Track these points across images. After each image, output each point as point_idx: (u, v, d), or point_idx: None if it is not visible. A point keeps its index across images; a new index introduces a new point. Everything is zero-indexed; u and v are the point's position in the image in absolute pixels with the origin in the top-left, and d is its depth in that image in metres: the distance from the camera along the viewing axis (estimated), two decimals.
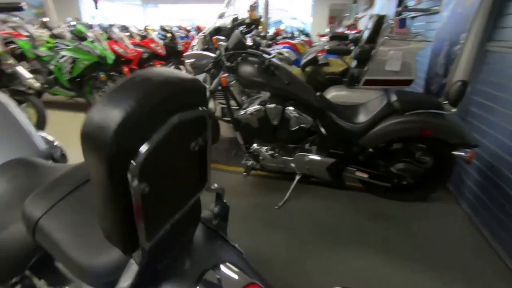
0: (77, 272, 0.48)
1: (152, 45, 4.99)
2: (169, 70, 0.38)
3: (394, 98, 1.81)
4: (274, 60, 1.80)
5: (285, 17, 14.04)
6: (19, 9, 1.18)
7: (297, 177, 2.10)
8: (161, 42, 5.28)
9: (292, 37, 6.87)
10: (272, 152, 2.08)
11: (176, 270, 0.51)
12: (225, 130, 2.94)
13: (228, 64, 1.90)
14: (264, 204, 2.01)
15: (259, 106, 1.97)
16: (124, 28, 6.82)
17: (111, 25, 6.02)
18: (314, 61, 3.11)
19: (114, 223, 0.35)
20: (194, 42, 2.61)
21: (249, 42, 2.45)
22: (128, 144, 0.30)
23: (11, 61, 2.96)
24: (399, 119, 1.78)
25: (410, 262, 1.52)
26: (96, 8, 13.31)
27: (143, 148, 0.32)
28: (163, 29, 6.40)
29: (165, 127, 0.34)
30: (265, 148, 2.09)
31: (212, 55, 1.98)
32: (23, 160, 0.88)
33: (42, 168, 0.85)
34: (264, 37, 5.81)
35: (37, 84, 3.93)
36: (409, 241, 1.67)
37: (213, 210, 0.69)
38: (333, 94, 2.58)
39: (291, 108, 1.94)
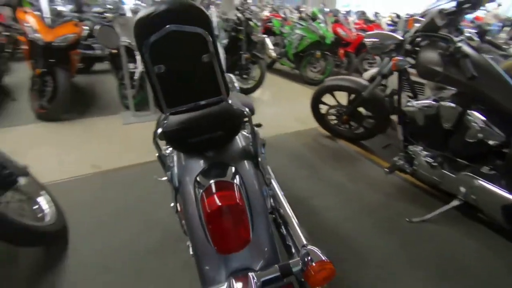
0: None
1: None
2: None
3: None
4: (464, 45, 1.42)
5: None
6: None
7: (454, 203, 1.64)
8: (388, 28, 5.09)
9: None
10: (432, 160, 1.72)
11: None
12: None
13: (408, 46, 1.70)
14: (395, 208, 1.77)
15: (432, 101, 1.66)
16: (362, 14, 7.04)
17: (347, 12, 6.41)
18: None
19: (152, 92, 0.62)
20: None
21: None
22: (142, 32, 0.55)
23: (260, 34, 4.02)
24: None
25: None
26: None
27: (151, 38, 0.55)
28: (398, 16, 6.06)
29: (165, 29, 0.55)
30: (426, 153, 1.76)
31: (399, 36, 1.82)
32: None
33: None
34: None
35: (274, 54, 5.11)
36: None
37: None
38: None
39: (476, 113, 1.49)
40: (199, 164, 0.73)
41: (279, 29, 5.13)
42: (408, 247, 1.49)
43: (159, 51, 0.56)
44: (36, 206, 1.42)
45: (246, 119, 0.80)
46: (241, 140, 0.83)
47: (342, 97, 2.48)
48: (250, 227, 0.63)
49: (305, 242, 0.97)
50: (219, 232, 0.60)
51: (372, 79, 2.15)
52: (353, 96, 2.36)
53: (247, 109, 0.72)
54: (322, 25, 4.34)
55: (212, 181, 0.65)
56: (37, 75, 2.58)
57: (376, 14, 6.28)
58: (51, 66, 2.56)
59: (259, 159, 0.82)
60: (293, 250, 0.70)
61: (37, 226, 1.26)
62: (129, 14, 2.84)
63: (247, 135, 0.94)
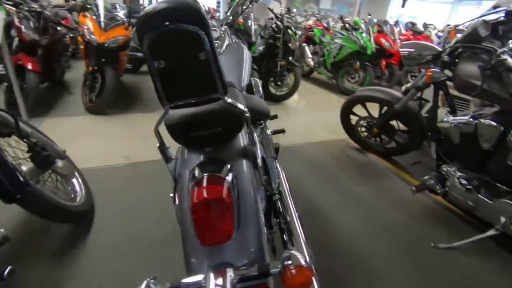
0: None
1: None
2: None
3: None
4: (508, 57, 1.28)
5: None
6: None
7: (490, 232, 1.48)
8: (437, 40, 4.77)
9: None
10: (467, 183, 1.57)
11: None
12: None
13: (446, 58, 1.58)
14: (420, 230, 1.64)
15: (470, 118, 1.52)
16: (412, 25, 6.70)
17: (395, 22, 6.13)
18: None
19: (154, 86, 0.66)
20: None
21: None
22: (141, 29, 0.59)
23: (298, 42, 4.03)
24: None
25: None
26: (403, 6, 13.66)
27: (149, 35, 0.59)
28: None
29: (161, 27, 0.58)
30: (460, 174, 1.61)
31: (437, 47, 1.70)
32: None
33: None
34: None
35: (312, 63, 5.08)
36: None
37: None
38: None
39: None
40: (197, 159, 0.76)
41: (319, 38, 5.09)
42: (429, 275, 1.37)
43: (157, 48, 0.60)
44: (70, 187, 1.58)
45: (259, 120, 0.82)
46: (243, 139, 0.84)
47: (374, 109, 2.38)
48: (234, 223, 0.64)
49: (290, 246, 0.94)
50: (202, 224, 0.62)
51: (406, 92, 2.03)
52: (385, 108, 2.25)
53: (246, 109, 0.73)
54: (363, 35, 4.22)
55: (204, 175, 0.67)
56: (89, 72, 2.87)
57: (425, 25, 5.92)
58: (101, 65, 2.84)
59: (259, 160, 0.83)
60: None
61: (68, 205, 1.40)
62: None
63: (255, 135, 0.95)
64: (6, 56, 2.34)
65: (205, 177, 0.67)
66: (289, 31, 3.74)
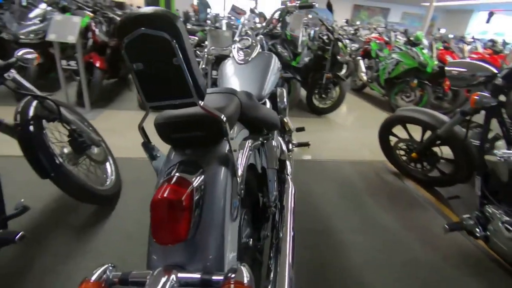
0: None
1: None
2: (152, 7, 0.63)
3: None
4: None
5: None
6: (312, 6, 1.71)
7: None
8: None
9: None
10: None
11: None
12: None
13: (500, 81, 1.36)
14: (451, 276, 1.42)
15: None
16: (492, 43, 5.92)
17: (473, 39, 5.47)
18: None
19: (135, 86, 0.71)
20: None
21: None
22: (120, 33, 0.64)
23: (347, 56, 3.89)
24: None
25: None
26: (488, 22, 12.16)
27: (126, 38, 0.63)
28: None
29: (136, 32, 0.62)
30: (507, 219, 1.37)
31: (493, 69, 1.47)
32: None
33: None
34: None
35: (365, 78, 4.85)
36: None
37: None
38: None
39: None
40: (177, 159, 0.79)
41: (375, 52, 4.83)
42: None
43: (134, 50, 0.65)
44: (102, 172, 1.76)
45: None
46: (226, 146, 0.84)
47: (417, 131, 2.15)
48: (190, 226, 0.65)
49: (274, 263, 0.89)
50: (156, 222, 0.64)
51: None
52: (429, 132, 2.02)
53: (223, 117, 0.74)
54: (424, 51, 3.87)
55: (172, 175, 0.70)
56: None
57: (505, 43, 5.17)
58: None
59: (240, 169, 0.82)
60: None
61: (96, 188, 1.56)
62: (224, 27, 3.20)
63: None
64: (79, 54, 2.74)
65: (173, 177, 0.69)
66: (339, 43, 3.63)
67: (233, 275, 0.60)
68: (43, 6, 2.99)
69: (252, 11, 3.76)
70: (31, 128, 1.30)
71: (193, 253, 0.68)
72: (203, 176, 0.73)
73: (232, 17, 3.57)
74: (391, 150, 2.34)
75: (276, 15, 1.93)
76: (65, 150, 1.53)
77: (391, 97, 4.26)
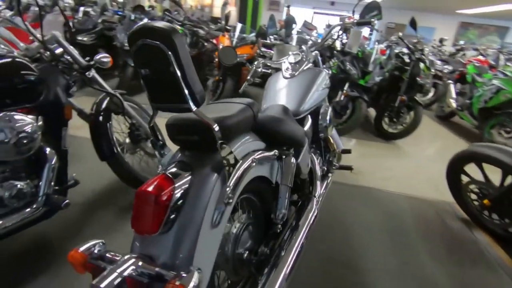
0: None
1: None
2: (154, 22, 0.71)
3: None
4: None
5: None
6: (370, 23, 1.60)
7: None
8: None
9: None
10: None
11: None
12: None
13: None
14: None
15: None
16: None
17: None
18: None
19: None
20: None
21: None
22: (130, 43, 0.72)
23: (429, 79, 3.45)
24: None
25: None
26: None
27: (133, 48, 0.72)
28: None
29: (138, 43, 0.70)
30: None
31: None
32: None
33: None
34: None
35: (454, 105, 4.25)
36: None
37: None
38: None
39: None
40: (176, 159, 0.85)
41: (472, 77, 4.14)
42: None
43: (141, 58, 0.74)
44: (154, 164, 1.99)
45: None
46: (221, 153, 0.85)
47: (496, 173, 1.76)
48: (160, 221, 0.69)
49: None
50: (134, 211, 0.70)
51: None
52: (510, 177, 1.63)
53: (214, 125, 0.76)
54: None
55: (162, 172, 0.76)
56: (215, 81, 3.49)
57: None
58: (225, 76, 3.38)
59: (234, 179, 0.83)
60: None
61: (144, 177, 1.78)
62: (294, 42, 3.26)
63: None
64: None
65: (161, 174, 0.75)
66: (421, 64, 3.26)
67: (179, 277, 0.61)
68: (145, 20, 3.58)
69: (328, 26, 3.72)
70: (100, 118, 1.58)
71: (166, 248, 0.73)
72: (189, 178, 0.78)
73: (304, 33, 3.61)
74: (460, 191, 1.96)
75: (335, 32, 1.87)
76: (127, 140, 1.80)
77: (485, 131, 3.57)
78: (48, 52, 1.30)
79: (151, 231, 0.69)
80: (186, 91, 0.73)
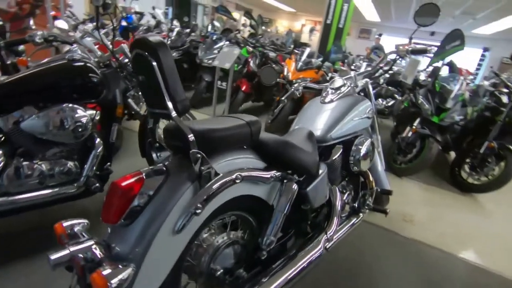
0: None
1: None
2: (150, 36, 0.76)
3: None
4: None
5: None
6: (425, 51, 1.40)
7: None
8: None
9: None
10: None
11: None
12: None
13: None
14: None
15: None
16: None
17: None
18: None
19: None
20: None
21: None
22: (130, 52, 0.81)
23: None
24: None
25: None
26: None
27: (130, 57, 0.80)
28: None
29: (133, 53, 0.78)
30: None
31: None
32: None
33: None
34: None
35: None
36: None
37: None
38: None
39: None
40: (163, 161, 0.91)
41: None
42: None
43: (137, 66, 0.83)
44: None
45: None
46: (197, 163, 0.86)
47: None
48: (121, 214, 0.74)
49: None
50: (105, 200, 0.77)
51: None
52: None
53: (190, 134, 0.79)
54: None
55: (140, 170, 0.82)
56: (277, 100, 3.56)
57: None
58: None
59: (207, 191, 0.84)
60: None
61: None
62: (362, 69, 3.10)
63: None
64: (230, 77, 3.43)
65: (137, 172, 0.82)
66: None
67: (107, 268, 0.64)
68: (223, 41, 3.97)
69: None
70: (149, 120, 1.81)
71: (124, 240, 0.78)
72: (161, 180, 0.82)
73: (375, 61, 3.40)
74: None
75: (388, 59, 1.72)
76: None
77: None
78: (115, 60, 1.58)
79: (111, 221, 0.76)
80: (167, 99, 0.79)
